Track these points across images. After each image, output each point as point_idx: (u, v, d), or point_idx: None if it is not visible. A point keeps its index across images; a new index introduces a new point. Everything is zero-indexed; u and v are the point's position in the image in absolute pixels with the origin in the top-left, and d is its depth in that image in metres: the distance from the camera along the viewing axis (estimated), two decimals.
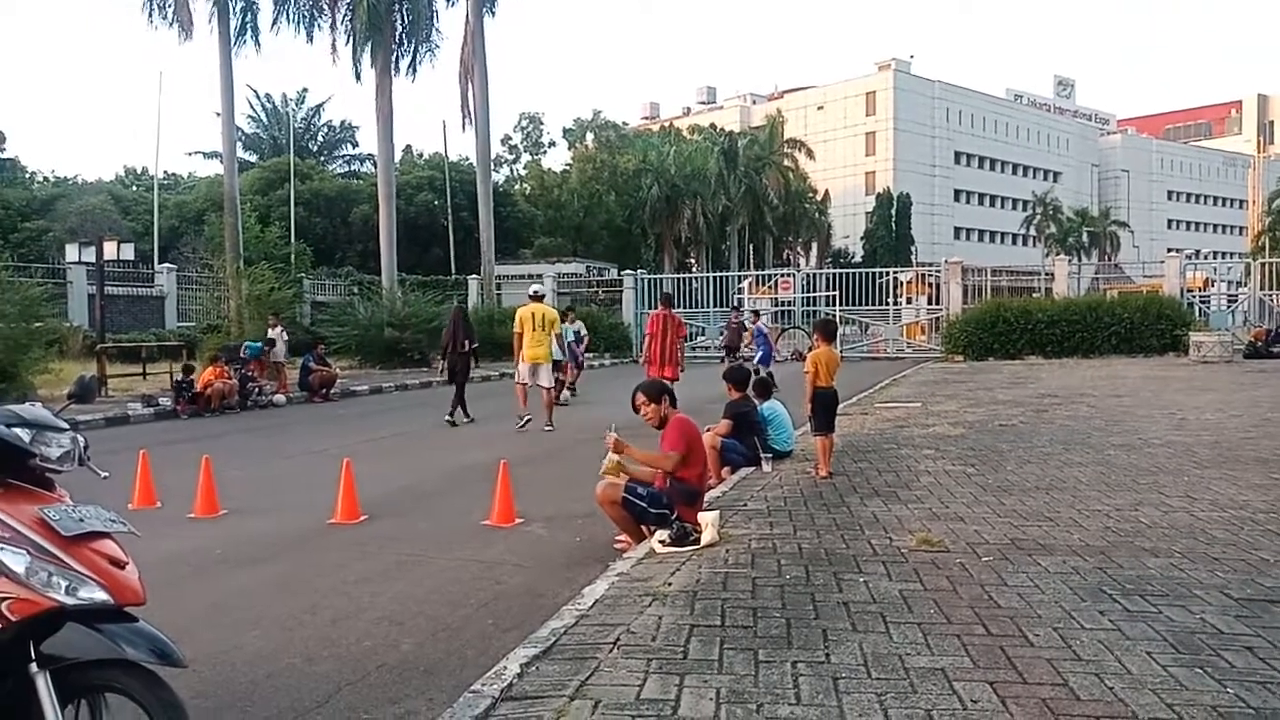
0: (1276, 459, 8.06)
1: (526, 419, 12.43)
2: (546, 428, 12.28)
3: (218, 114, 28.72)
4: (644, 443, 6.18)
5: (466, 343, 13.53)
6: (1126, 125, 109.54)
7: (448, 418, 13.18)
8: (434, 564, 5.86)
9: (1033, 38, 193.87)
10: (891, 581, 4.65)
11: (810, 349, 8.60)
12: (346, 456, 7.64)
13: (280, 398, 16.83)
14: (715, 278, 33.15)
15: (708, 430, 7.44)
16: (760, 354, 19.17)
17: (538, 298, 13.21)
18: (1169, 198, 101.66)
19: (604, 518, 6.10)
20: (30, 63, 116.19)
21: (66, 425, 2.86)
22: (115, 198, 43.93)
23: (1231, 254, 72.37)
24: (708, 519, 5.60)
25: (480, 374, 20.11)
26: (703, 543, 5.45)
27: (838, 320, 27.32)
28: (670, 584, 4.73)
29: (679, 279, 35.18)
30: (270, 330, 19.27)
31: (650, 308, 30.92)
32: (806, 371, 7.85)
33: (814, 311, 30.35)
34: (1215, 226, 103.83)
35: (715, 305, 30.54)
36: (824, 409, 7.75)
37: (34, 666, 2.49)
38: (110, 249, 18.51)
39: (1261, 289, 27.89)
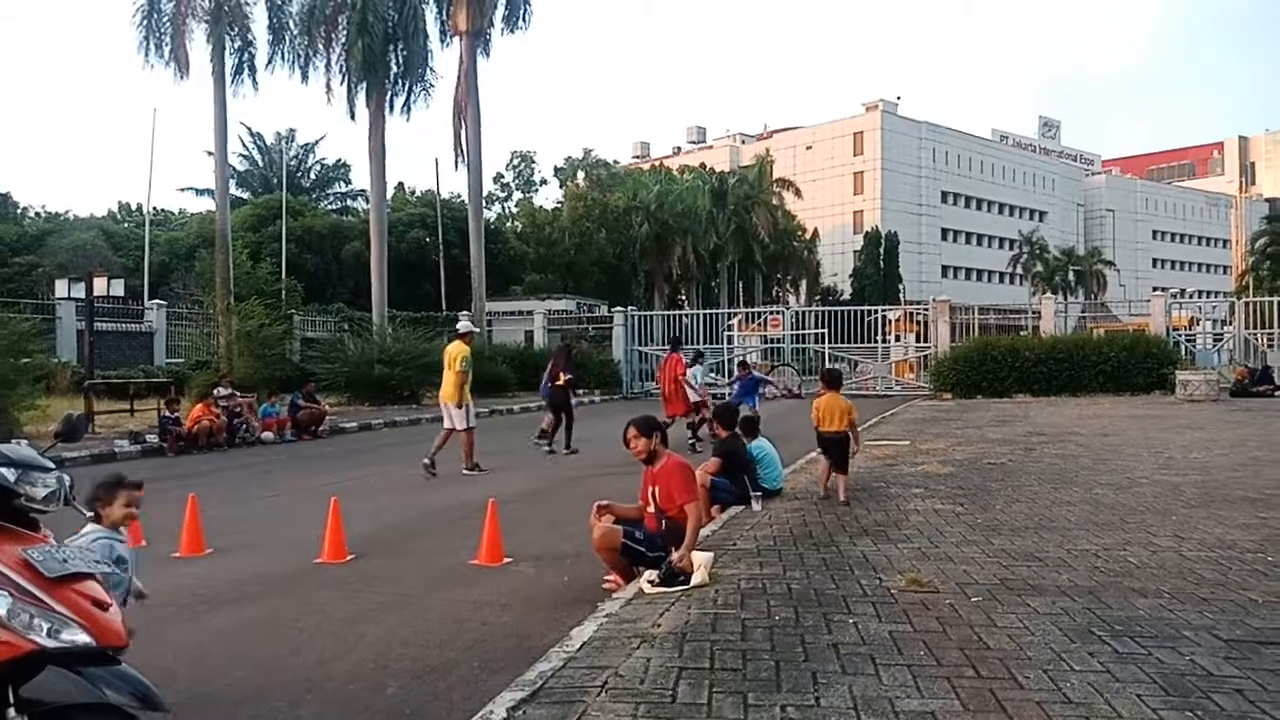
0: (1264, 498, 8.08)
1: (474, 467, 12.05)
2: (465, 471, 11.82)
3: (209, 153, 28.90)
4: (634, 480, 6.16)
5: (562, 375, 14.22)
6: (1111, 166, 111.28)
7: (551, 448, 13.96)
8: (421, 604, 5.81)
9: (1018, 80, 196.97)
10: (881, 623, 4.64)
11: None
12: (334, 494, 7.61)
13: (268, 435, 16.73)
14: (705, 315, 33.22)
15: (698, 469, 7.43)
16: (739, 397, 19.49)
17: (459, 335, 12.68)
18: (1154, 237, 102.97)
19: (592, 557, 6.07)
20: (24, 99, 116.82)
21: (53, 465, 2.85)
22: (107, 234, 43.90)
23: (1216, 293, 73.05)
24: (701, 559, 5.56)
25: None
26: (693, 583, 5.41)
27: (826, 356, 27.61)
28: (659, 625, 4.70)
29: (669, 316, 35.28)
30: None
31: (641, 345, 31.26)
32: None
33: (803, 349, 30.44)
34: (1199, 265, 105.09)
35: (706, 342, 30.60)
36: (824, 451, 8.63)
37: (12, 711, 2.46)
38: (100, 285, 18.43)
39: (1246, 328, 28.10)
